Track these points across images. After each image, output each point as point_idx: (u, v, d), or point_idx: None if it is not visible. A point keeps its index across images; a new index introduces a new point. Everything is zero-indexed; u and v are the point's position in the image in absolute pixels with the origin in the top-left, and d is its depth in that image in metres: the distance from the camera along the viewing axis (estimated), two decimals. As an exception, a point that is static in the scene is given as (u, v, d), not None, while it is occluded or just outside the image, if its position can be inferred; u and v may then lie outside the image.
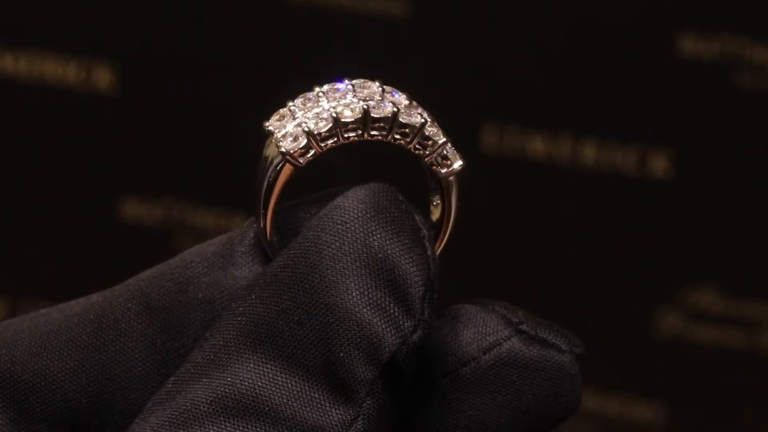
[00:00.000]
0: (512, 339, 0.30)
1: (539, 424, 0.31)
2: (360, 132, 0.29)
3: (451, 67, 0.69)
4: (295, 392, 0.28)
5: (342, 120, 0.29)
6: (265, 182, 0.30)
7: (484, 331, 0.30)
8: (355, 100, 0.29)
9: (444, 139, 0.30)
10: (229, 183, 0.71)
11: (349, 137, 0.29)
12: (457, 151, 0.30)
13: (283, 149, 0.29)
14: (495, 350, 0.30)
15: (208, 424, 0.28)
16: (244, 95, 0.70)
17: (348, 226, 0.29)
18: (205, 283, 0.30)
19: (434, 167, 0.30)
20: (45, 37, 0.70)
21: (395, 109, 0.29)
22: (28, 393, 0.30)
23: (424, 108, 0.30)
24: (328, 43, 0.69)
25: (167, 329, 0.30)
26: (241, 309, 0.29)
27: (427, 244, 0.29)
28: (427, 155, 0.30)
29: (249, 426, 0.28)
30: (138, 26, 0.70)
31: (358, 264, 0.28)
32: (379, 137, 0.29)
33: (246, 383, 0.28)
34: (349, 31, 0.69)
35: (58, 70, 0.70)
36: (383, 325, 0.28)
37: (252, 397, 0.28)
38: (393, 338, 0.28)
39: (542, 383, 0.30)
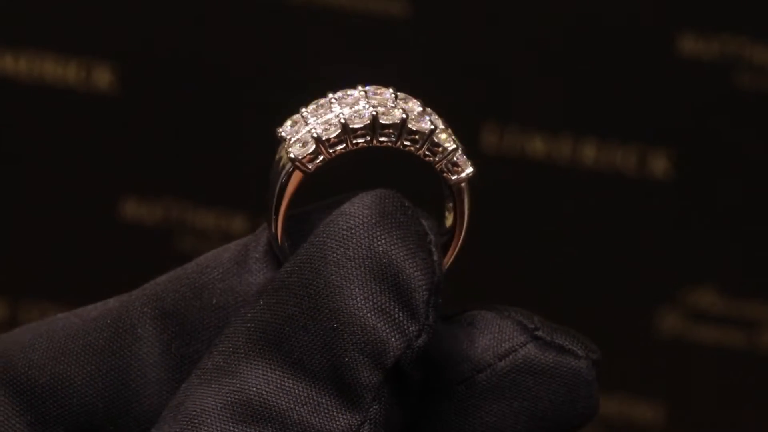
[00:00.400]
0: (528, 345, 0.30)
1: (556, 430, 0.31)
2: (369, 138, 0.29)
3: (451, 67, 0.69)
4: (302, 398, 0.28)
5: (351, 126, 0.29)
6: (276, 188, 0.30)
7: (499, 338, 0.31)
8: (366, 106, 0.29)
9: (454, 146, 0.30)
10: (229, 183, 0.71)
11: (358, 143, 0.29)
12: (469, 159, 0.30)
13: (291, 155, 0.29)
14: (511, 357, 0.30)
15: (217, 431, 0.28)
16: (244, 95, 0.70)
17: (353, 231, 0.29)
18: (219, 288, 0.30)
19: (444, 174, 0.30)
20: (45, 37, 0.70)
21: (404, 116, 0.29)
22: (45, 397, 0.31)
23: (439, 115, 0.30)
24: (328, 43, 0.69)
25: (181, 334, 0.30)
26: (249, 316, 0.29)
27: (432, 249, 0.29)
28: (437, 162, 0.30)
29: (257, 431, 0.28)
30: (138, 26, 0.70)
31: (362, 269, 0.29)
32: (389, 143, 0.29)
33: (254, 389, 0.28)
34: (349, 31, 0.69)
35: (58, 70, 0.70)
36: (388, 330, 0.28)
37: (260, 402, 0.28)
38: (398, 343, 0.28)
39: (558, 389, 0.30)
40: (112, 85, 0.70)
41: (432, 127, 0.29)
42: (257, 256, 0.31)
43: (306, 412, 0.28)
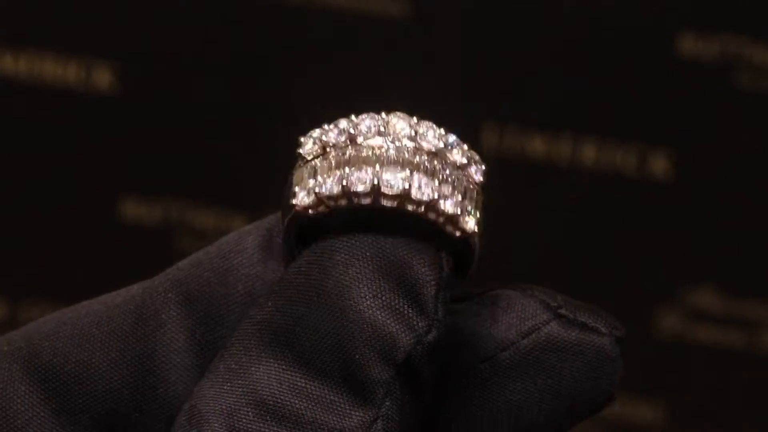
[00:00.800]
0: (551, 323, 0.30)
1: (580, 408, 0.31)
2: (372, 200, 0.29)
3: (451, 67, 0.69)
4: (314, 396, 0.28)
5: (353, 190, 0.29)
6: (284, 223, 0.30)
7: (522, 316, 0.30)
8: (374, 173, 0.29)
9: (455, 212, 0.29)
10: (229, 183, 0.71)
11: (362, 203, 0.29)
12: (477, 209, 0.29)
13: (293, 202, 0.29)
14: (534, 335, 0.30)
15: None
16: (244, 95, 0.70)
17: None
18: (244, 275, 0.30)
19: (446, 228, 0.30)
20: (45, 37, 0.70)
21: (406, 186, 0.29)
22: (70, 384, 0.30)
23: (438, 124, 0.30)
24: (328, 43, 0.69)
25: (206, 320, 0.30)
26: (258, 317, 0.29)
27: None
28: (440, 223, 0.29)
29: (271, 431, 0.28)
30: (138, 26, 0.70)
31: (370, 267, 0.29)
32: (392, 208, 0.29)
33: (267, 390, 0.28)
34: (349, 31, 0.69)
35: (58, 70, 0.70)
36: (397, 326, 0.28)
37: (273, 403, 0.28)
38: (407, 338, 0.28)
39: (582, 366, 0.30)
40: (112, 85, 0.70)
41: (434, 197, 0.29)
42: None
43: (319, 410, 0.28)
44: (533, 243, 0.70)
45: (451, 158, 0.29)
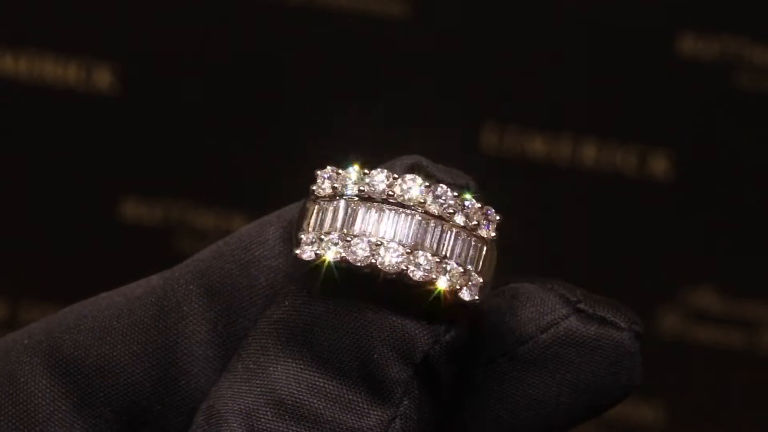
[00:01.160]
0: (570, 318, 0.30)
1: (599, 402, 0.31)
2: (370, 271, 0.29)
3: (451, 68, 0.69)
4: (333, 396, 0.28)
5: (352, 262, 0.29)
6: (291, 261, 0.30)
7: (542, 310, 0.31)
8: (387, 256, 0.29)
9: (450, 287, 0.29)
10: (229, 183, 0.71)
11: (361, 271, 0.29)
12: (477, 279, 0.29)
13: (297, 252, 0.29)
14: (553, 329, 0.30)
15: None
16: (244, 95, 0.70)
17: None
18: (266, 267, 0.30)
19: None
20: (45, 37, 0.70)
21: (403, 267, 0.29)
22: (92, 378, 0.30)
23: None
24: (328, 43, 0.69)
25: (228, 312, 0.30)
26: (275, 317, 0.29)
27: None
28: (435, 298, 0.30)
29: (290, 431, 0.28)
30: (138, 26, 0.70)
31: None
32: (391, 279, 0.29)
33: (285, 389, 0.28)
34: (349, 31, 0.69)
35: (58, 70, 0.70)
36: (415, 326, 0.29)
37: (292, 402, 0.28)
38: (425, 338, 0.29)
39: (601, 361, 0.30)
40: (112, 85, 0.70)
41: (428, 278, 0.29)
42: None
43: (338, 410, 0.28)
44: (533, 243, 0.70)
45: (460, 222, 0.29)
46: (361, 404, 0.28)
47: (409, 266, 0.29)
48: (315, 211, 0.30)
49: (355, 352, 0.28)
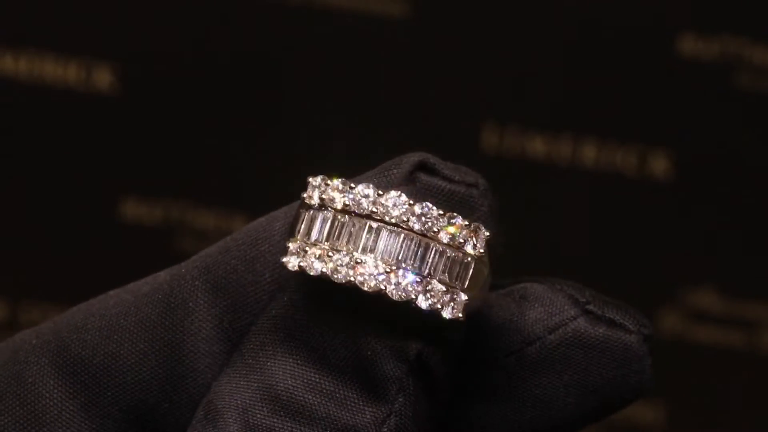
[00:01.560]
0: (578, 319, 0.30)
1: (608, 404, 0.31)
2: (350, 287, 0.29)
3: (451, 68, 0.69)
4: (328, 392, 0.28)
5: (332, 278, 0.29)
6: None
7: (550, 311, 0.31)
8: (367, 257, 0.29)
9: (430, 308, 0.29)
10: (229, 183, 0.71)
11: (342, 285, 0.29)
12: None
13: (284, 260, 0.29)
14: (561, 330, 0.30)
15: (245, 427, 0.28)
16: (244, 95, 0.70)
17: None
18: (272, 262, 0.30)
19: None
20: (45, 37, 0.70)
21: (382, 287, 0.29)
22: (99, 377, 0.30)
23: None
24: (328, 43, 0.69)
25: (233, 308, 0.30)
26: (273, 312, 0.29)
27: None
28: (416, 318, 0.29)
29: (285, 426, 0.28)
30: (138, 26, 0.70)
31: None
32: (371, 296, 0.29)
33: (281, 385, 0.28)
34: (349, 31, 0.69)
35: (58, 70, 0.70)
36: (408, 323, 0.29)
37: (287, 398, 0.28)
38: (419, 335, 0.29)
39: (609, 363, 0.30)
40: (112, 85, 0.70)
41: (408, 297, 0.29)
42: None
43: (333, 406, 0.28)
44: (533, 243, 0.70)
45: (444, 240, 0.29)
46: (356, 401, 0.28)
47: (387, 286, 0.29)
48: (303, 219, 0.30)
49: (350, 348, 0.29)
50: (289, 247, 0.30)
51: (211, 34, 0.69)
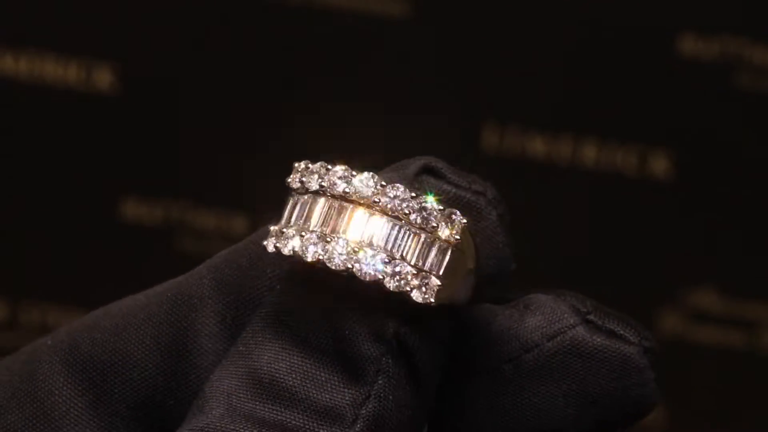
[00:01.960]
0: (577, 327, 0.30)
1: (611, 417, 0.30)
2: (321, 267, 0.29)
3: (451, 68, 0.69)
4: (309, 374, 0.28)
5: (304, 259, 0.29)
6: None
7: (550, 319, 0.30)
8: (335, 252, 0.29)
9: (398, 289, 0.29)
10: (229, 183, 0.71)
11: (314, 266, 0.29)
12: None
13: (264, 243, 0.30)
14: (559, 338, 0.30)
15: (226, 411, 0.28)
16: (244, 95, 0.70)
17: None
18: (274, 258, 0.30)
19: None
20: (45, 37, 0.70)
21: (349, 266, 0.29)
22: (107, 374, 0.30)
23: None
24: (329, 43, 0.69)
25: (236, 304, 0.31)
26: (268, 302, 0.30)
27: None
28: (384, 299, 0.29)
29: (266, 408, 0.28)
30: (138, 26, 0.70)
31: None
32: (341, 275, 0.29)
33: (265, 368, 0.29)
34: (349, 31, 0.69)
35: (58, 70, 0.70)
36: (386, 302, 0.29)
37: (270, 381, 0.28)
38: (396, 314, 0.29)
39: (608, 374, 0.30)
40: (112, 85, 0.70)
41: (383, 281, 0.29)
42: None
43: (313, 388, 0.28)
44: (533, 243, 0.70)
45: (417, 222, 0.29)
46: (335, 383, 0.28)
47: (355, 265, 0.29)
48: (289, 204, 0.30)
49: (329, 329, 0.29)
50: (269, 229, 0.30)
51: (211, 34, 0.69)
